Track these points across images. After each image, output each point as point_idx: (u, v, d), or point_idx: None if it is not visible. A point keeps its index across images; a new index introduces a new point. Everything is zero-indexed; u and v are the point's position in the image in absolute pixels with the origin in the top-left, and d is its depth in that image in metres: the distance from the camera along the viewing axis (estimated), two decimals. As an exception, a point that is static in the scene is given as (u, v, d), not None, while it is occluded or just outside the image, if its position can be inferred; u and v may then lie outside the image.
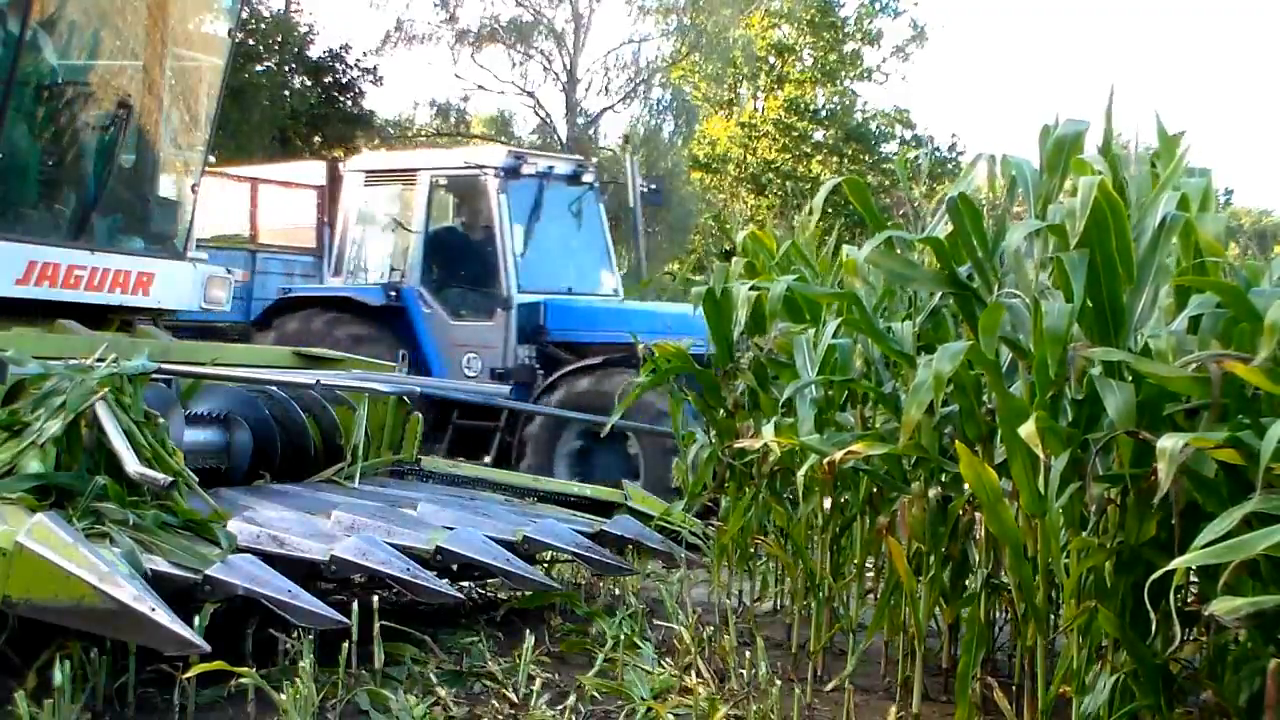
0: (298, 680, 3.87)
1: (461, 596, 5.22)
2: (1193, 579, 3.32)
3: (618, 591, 6.01)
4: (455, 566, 5.32)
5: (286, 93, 25.66)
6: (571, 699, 4.35)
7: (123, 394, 4.72)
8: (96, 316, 6.83)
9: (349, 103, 26.82)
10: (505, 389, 8.42)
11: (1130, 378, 3.34)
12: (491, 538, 5.12)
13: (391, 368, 7.45)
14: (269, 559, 4.38)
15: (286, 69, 26.12)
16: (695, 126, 33.54)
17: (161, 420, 4.90)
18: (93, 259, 6.75)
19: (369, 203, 11.03)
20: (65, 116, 6.89)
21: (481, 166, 10.30)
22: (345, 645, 4.17)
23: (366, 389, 6.27)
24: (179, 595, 3.91)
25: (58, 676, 3.73)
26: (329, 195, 11.98)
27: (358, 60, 27.39)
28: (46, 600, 3.72)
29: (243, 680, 3.96)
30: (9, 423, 4.58)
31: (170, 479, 4.48)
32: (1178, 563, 2.83)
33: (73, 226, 6.88)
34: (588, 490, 6.69)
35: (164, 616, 3.60)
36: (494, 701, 4.42)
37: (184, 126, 7.61)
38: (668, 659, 4.89)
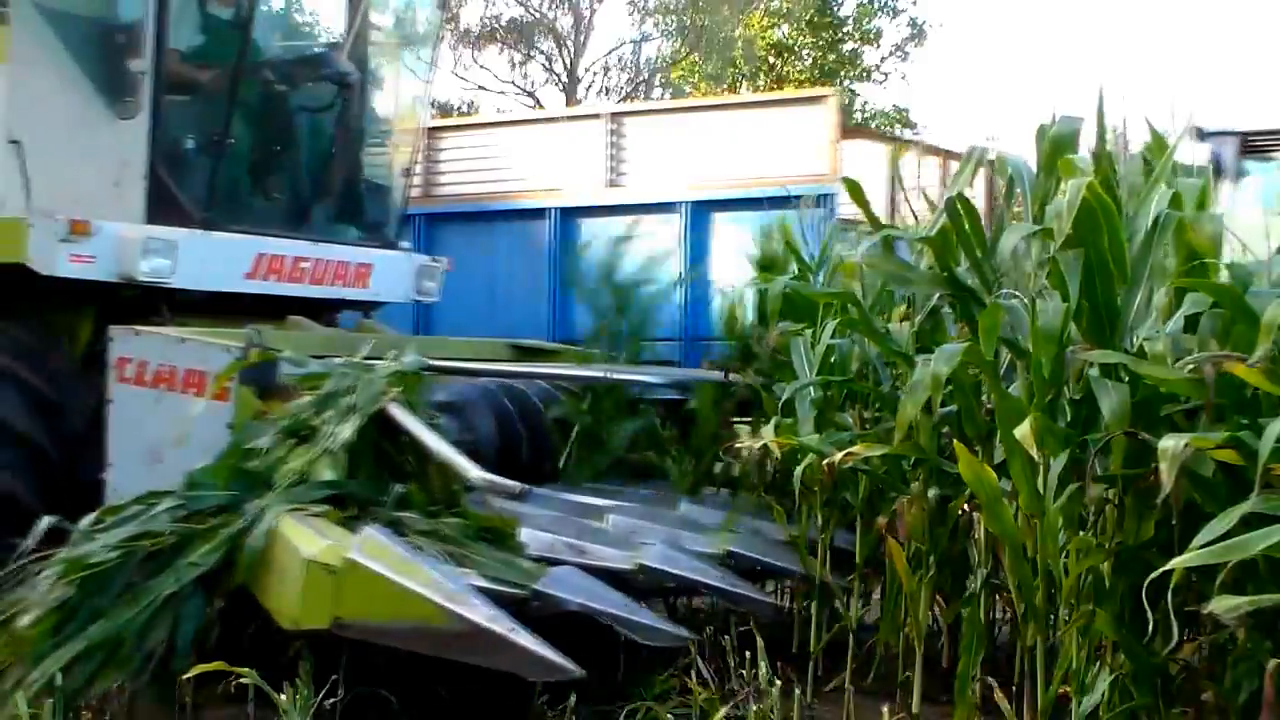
0: (298, 680, 3.86)
1: (782, 605, 5.05)
2: (1192, 579, 3.32)
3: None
4: None
5: (287, 92, 25.65)
6: (572, 699, 4.35)
7: (409, 394, 4.30)
8: (313, 311, 6.44)
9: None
10: None
11: (1127, 378, 3.34)
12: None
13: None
14: None
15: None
16: (696, 126, 33.39)
17: (442, 420, 4.49)
18: (315, 250, 6.41)
19: None
20: (286, 102, 6.54)
21: None
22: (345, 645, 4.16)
23: (643, 382, 5.72)
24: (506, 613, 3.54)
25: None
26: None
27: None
28: (384, 621, 3.46)
29: (243, 680, 3.95)
30: (295, 427, 4.16)
31: (524, 487, 4.07)
32: (1176, 563, 2.83)
33: (295, 217, 6.50)
34: None
35: (526, 639, 3.32)
36: (494, 701, 4.41)
37: (398, 108, 7.30)
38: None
